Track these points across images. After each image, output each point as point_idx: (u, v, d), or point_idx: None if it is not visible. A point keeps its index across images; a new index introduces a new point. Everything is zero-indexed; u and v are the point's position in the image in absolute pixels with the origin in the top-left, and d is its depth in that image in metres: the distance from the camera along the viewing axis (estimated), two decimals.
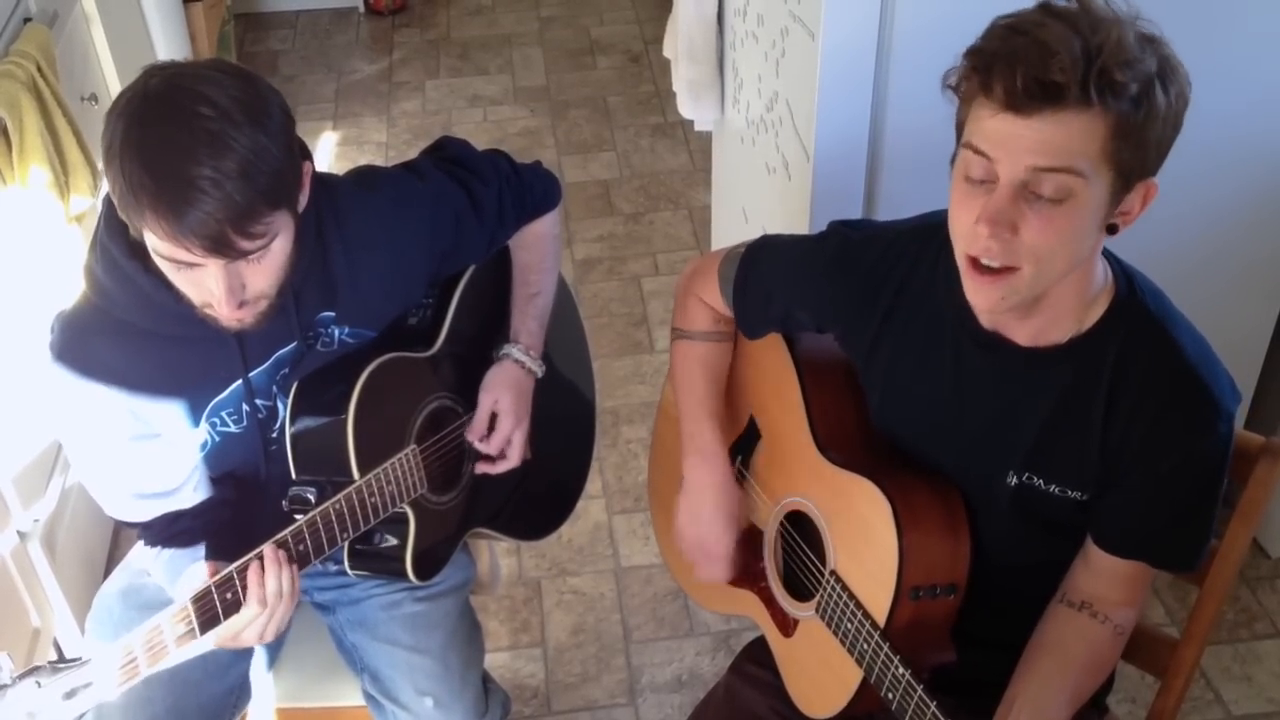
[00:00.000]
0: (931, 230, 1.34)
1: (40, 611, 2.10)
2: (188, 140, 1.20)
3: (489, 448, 1.65)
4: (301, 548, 1.41)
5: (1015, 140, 1.12)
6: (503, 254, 1.72)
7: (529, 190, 1.68)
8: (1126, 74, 1.09)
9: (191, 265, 1.26)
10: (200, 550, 1.47)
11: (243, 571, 1.35)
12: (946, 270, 1.30)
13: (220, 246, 1.24)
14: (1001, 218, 1.14)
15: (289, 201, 1.30)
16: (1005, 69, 1.10)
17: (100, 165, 2.43)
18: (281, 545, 1.39)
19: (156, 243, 1.25)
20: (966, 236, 1.18)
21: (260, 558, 1.36)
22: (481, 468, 1.66)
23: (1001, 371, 1.30)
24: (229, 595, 1.34)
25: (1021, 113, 1.11)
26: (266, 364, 1.46)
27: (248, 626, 1.37)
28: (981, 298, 1.21)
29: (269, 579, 1.36)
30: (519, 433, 1.65)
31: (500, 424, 1.64)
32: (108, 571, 2.02)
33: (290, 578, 1.38)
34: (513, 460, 1.66)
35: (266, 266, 1.30)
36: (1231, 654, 2.31)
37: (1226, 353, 1.30)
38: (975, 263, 1.19)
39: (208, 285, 1.29)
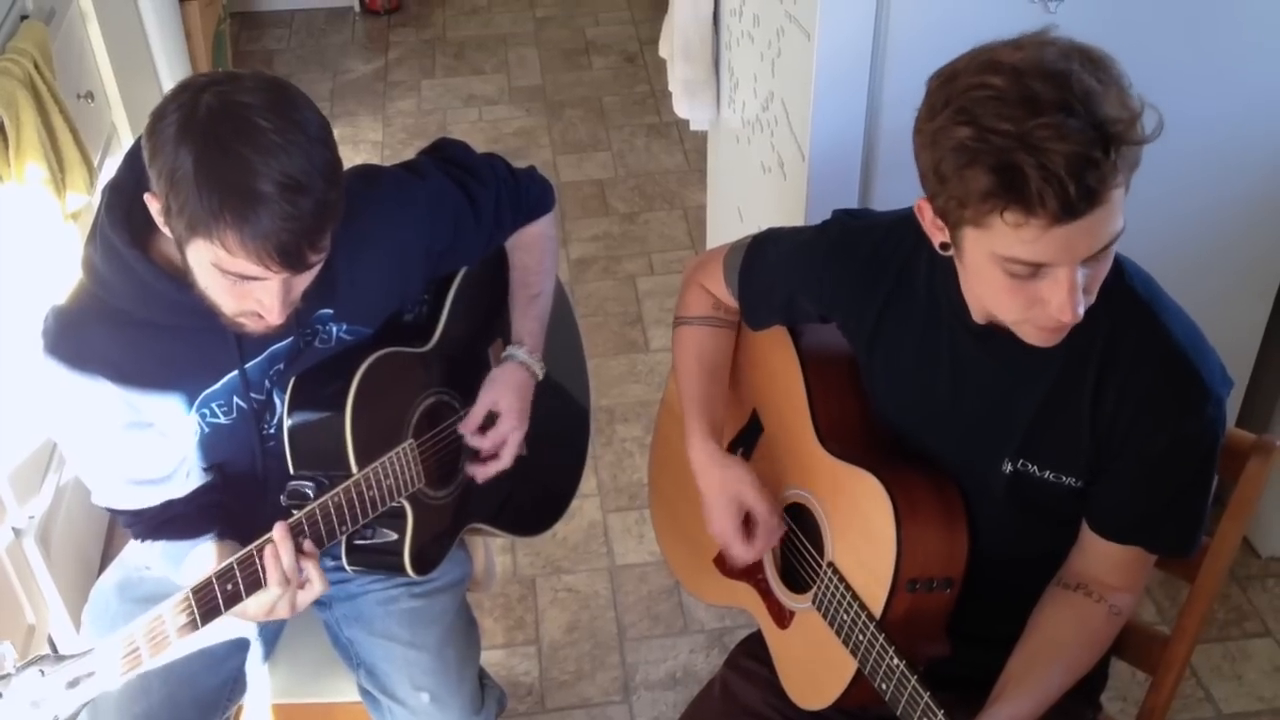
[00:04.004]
0: None
1: (35, 608, 2.10)
2: (260, 157, 1.21)
3: (483, 444, 1.64)
4: (299, 540, 1.41)
5: (1073, 243, 1.12)
6: (497, 250, 1.73)
7: (525, 193, 1.69)
8: (1135, 128, 1.09)
9: (248, 279, 1.27)
10: (194, 541, 1.47)
11: (244, 563, 1.36)
12: (944, 262, 1.30)
13: (293, 260, 1.25)
14: (1078, 298, 1.16)
15: (341, 214, 1.31)
16: (1053, 186, 1.06)
17: (97, 162, 2.45)
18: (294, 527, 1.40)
19: (224, 257, 1.24)
20: (1033, 319, 1.20)
21: (272, 540, 1.37)
22: (471, 468, 1.65)
23: (995, 359, 1.32)
24: (230, 586, 1.34)
25: (1076, 217, 1.09)
26: (260, 358, 1.47)
27: (278, 601, 1.38)
28: (1047, 343, 1.23)
29: (284, 554, 1.37)
30: (516, 434, 1.65)
31: (500, 424, 1.64)
32: (102, 568, 2.02)
33: (298, 557, 1.39)
34: (504, 462, 1.66)
35: (308, 277, 1.33)
36: (1222, 652, 2.33)
37: (1218, 351, 1.31)
38: None
39: (258, 297, 1.30)
